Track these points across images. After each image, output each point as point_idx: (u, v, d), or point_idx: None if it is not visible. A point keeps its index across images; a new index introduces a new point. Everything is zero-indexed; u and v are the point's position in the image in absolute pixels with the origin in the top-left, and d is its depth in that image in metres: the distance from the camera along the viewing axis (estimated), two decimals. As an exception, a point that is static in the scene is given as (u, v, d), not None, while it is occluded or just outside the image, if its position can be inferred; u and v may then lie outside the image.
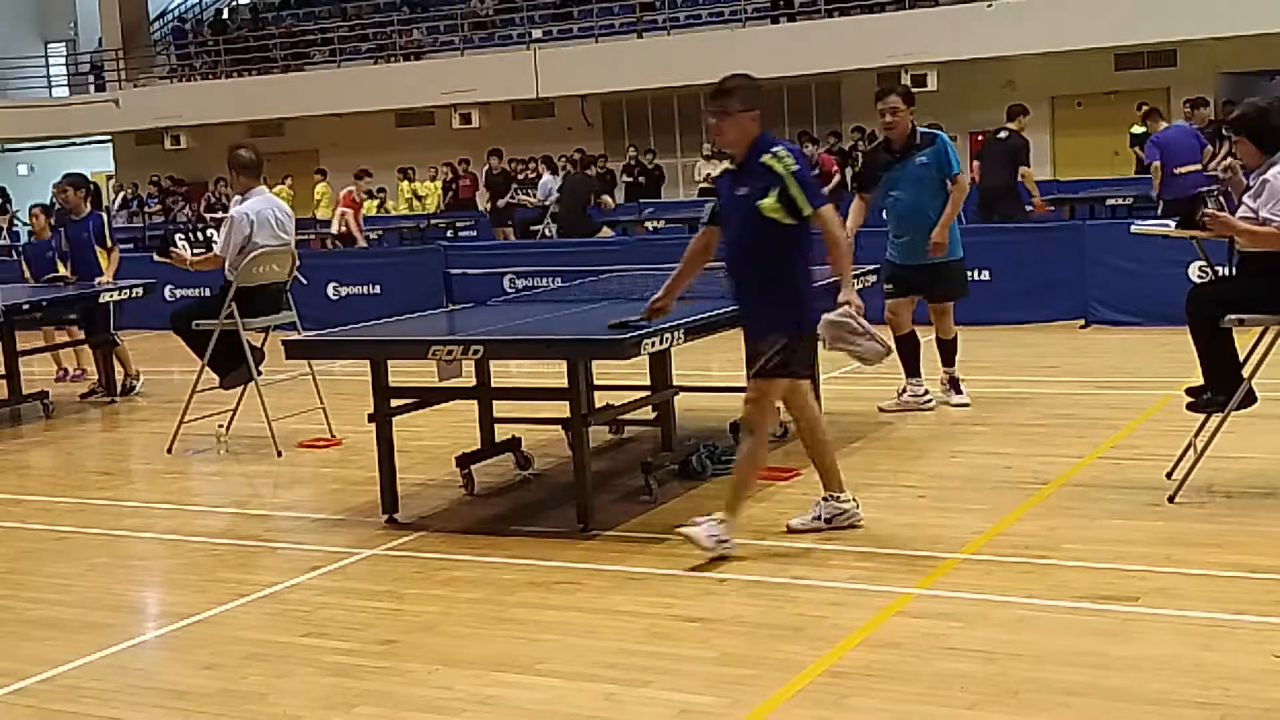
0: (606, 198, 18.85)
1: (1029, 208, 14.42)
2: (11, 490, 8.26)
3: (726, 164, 6.02)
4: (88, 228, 11.39)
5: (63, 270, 11.59)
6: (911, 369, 8.78)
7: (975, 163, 15.95)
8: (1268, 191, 5.98)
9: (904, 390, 8.79)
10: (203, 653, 5.09)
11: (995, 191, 14.10)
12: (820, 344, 6.07)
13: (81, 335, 11.75)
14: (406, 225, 23.26)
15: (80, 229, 11.41)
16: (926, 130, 8.66)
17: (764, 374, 5.80)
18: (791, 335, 5.82)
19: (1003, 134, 14.29)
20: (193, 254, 9.18)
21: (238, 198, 9.02)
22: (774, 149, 5.75)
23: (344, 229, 20.18)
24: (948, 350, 8.87)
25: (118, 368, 11.29)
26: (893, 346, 6.02)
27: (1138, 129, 22.02)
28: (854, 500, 6.18)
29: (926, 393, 8.79)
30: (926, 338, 8.94)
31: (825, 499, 6.17)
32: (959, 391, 8.83)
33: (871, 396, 8.99)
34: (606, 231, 18.76)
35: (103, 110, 32.24)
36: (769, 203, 5.70)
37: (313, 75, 30.15)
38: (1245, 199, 6.15)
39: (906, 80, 24.70)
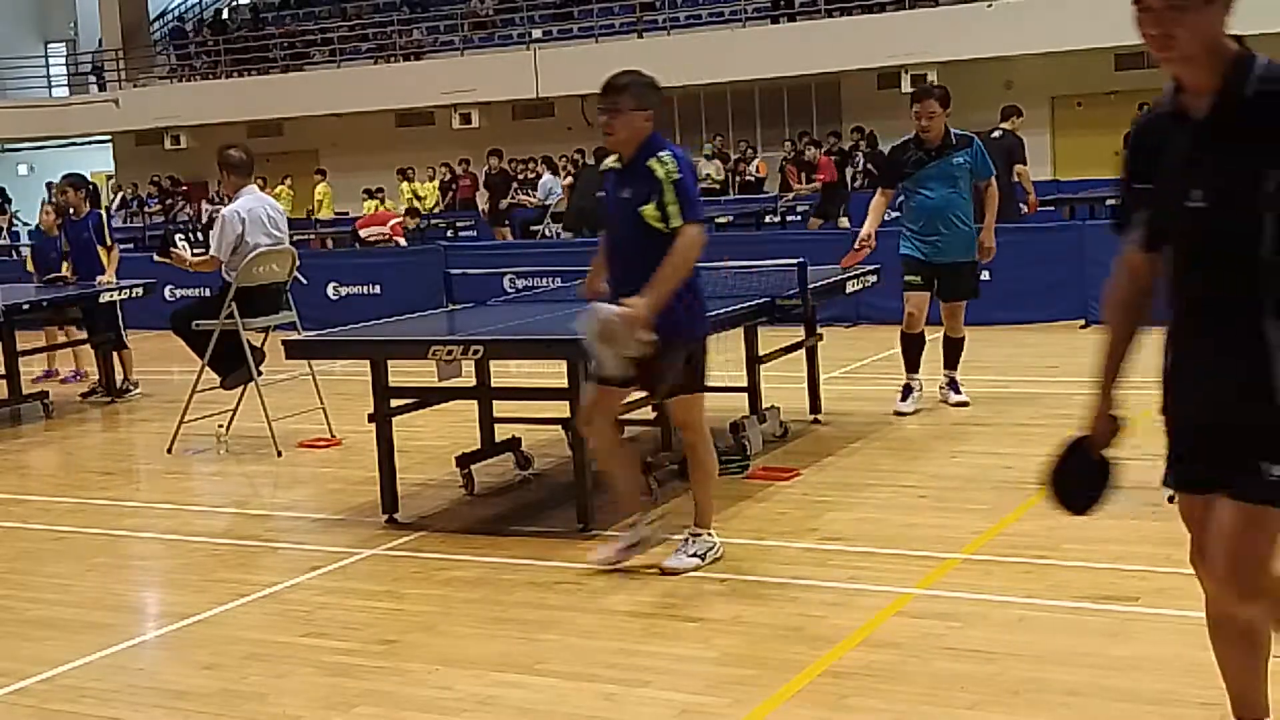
0: None
1: (1023, 207, 14.44)
2: (11, 490, 8.26)
3: (613, 161, 5.72)
4: (87, 227, 11.42)
5: (65, 269, 11.63)
6: (914, 365, 8.73)
7: None
8: None
9: (910, 390, 8.72)
10: (203, 653, 5.09)
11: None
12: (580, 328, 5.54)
13: (82, 335, 11.75)
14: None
15: (80, 228, 11.44)
16: (961, 132, 8.64)
17: (682, 392, 5.63)
18: (692, 346, 5.62)
19: (996, 134, 14.26)
20: (193, 254, 9.22)
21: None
22: (660, 153, 5.48)
23: (375, 241, 20.41)
24: (955, 351, 8.83)
25: (118, 368, 11.29)
26: (611, 370, 5.43)
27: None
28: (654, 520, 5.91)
29: (920, 386, 8.76)
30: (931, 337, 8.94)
31: (630, 537, 5.84)
32: (958, 391, 8.80)
33: (872, 396, 8.99)
34: None
35: (103, 110, 32.25)
36: (650, 209, 5.45)
37: (313, 75, 30.16)
38: None
39: (906, 80, 24.75)
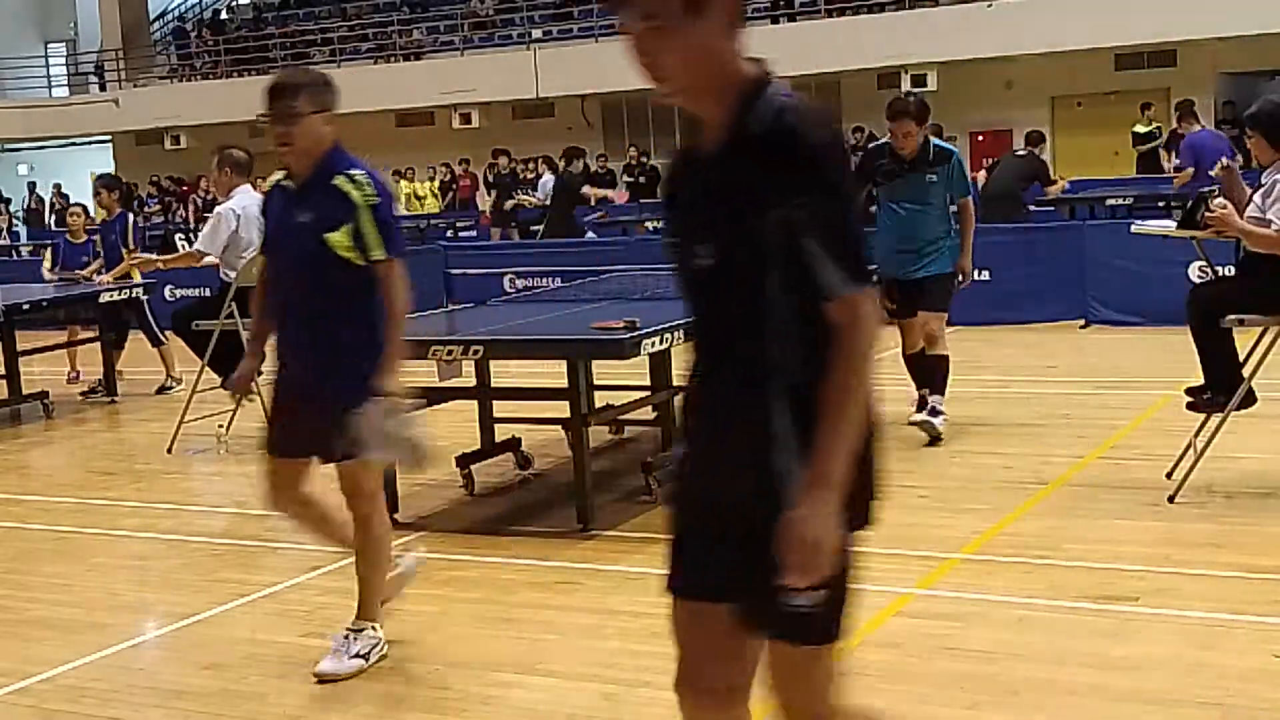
0: (589, 189, 17.68)
1: (1030, 207, 14.83)
2: (11, 490, 8.26)
3: (280, 176, 4.81)
4: (115, 229, 11.47)
5: (90, 270, 11.74)
6: (924, 380, 7.96)
7: (982, 172, 16.56)
8: (1277, 191, 5.98)
9: (928, 406, 7.84)
10: (203, 653, 5.09)
11: (998, 198, 14.56)
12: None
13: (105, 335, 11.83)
14: (406, 225, 23.27)
15: (109, 230, 11.53)
16: (941, 145, 8.02)
17: (354, 456, 4.54)
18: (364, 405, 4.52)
19: (1022, 152, 15.31)
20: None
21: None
22: (351, 170, 4.64)
23: None
24: (938, 371, 7.86)
25: (147, 366, 11.41)
26: (430, 455, 4.53)
27: (1140, 128, 22.05)
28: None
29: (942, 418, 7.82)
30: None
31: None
32: (936, 413, 7.77)
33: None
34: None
35: (103, 110, 32.26)
36: (339, 237, 4.58)
37: (313, 75, 30.14)
38: (1255, 197, 6.14)
39: (906, 80, 24.73)
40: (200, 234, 9.05)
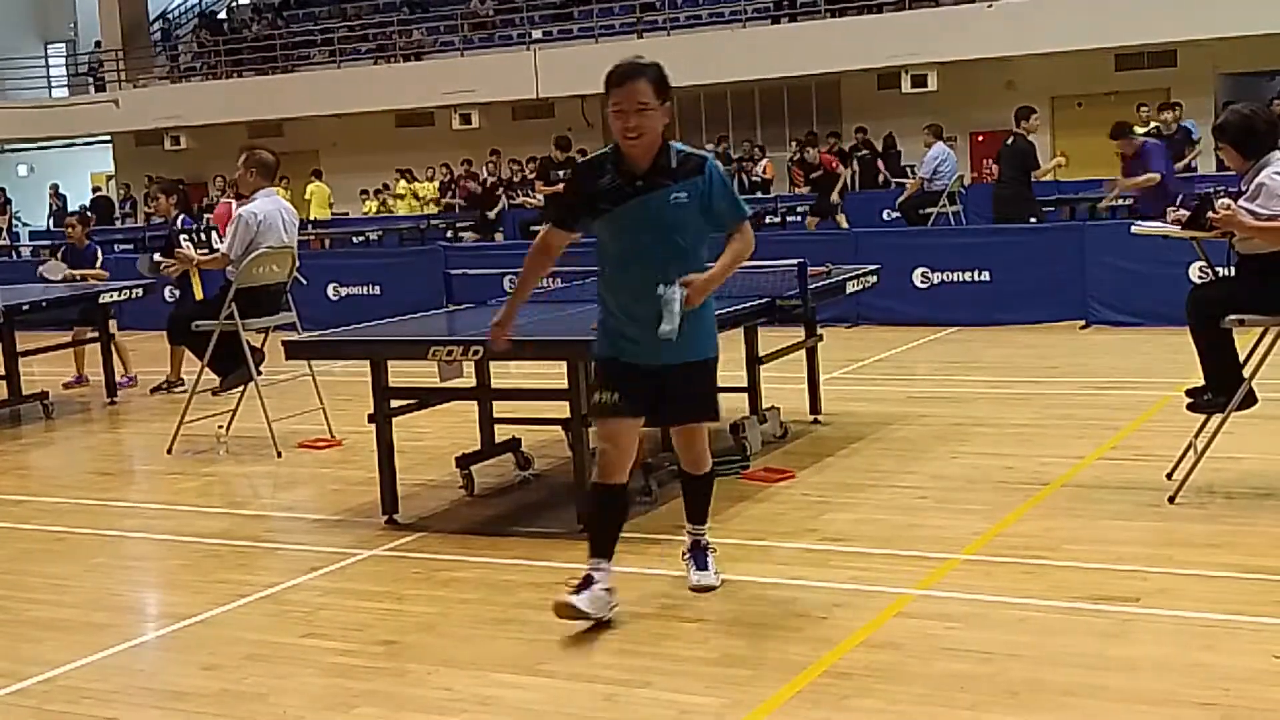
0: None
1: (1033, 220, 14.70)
2: (11, 490, 8.25)
3: None
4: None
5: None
6: (603, 546, 5.14)
7: (995, 166, 16.01)
8: (1265, 193, 5.98)
9: (592, 581, 5.04)
10: (203, 653, 5.09)
11: (1004, 199, 14.25)
12: None
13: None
14: (406, 225, 23.27)
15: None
16: (688, 150, 5.04)
17: None
18: None
19: (1010, 139, 14.54)
20: (197, 254, 9.26)
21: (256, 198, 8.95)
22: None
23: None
24: (701, 495, 5.46)
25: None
26: None
27: (1139, 130, 22.04)
28: None
29: (607, 574, 5.10)
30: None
31: None
32: (703, 563, 5.42)
33: (872, 397, 9.00)
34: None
35: (103, 110, 32.25)
36: None
37: (313, 75, 30.15)
38: (1243, 203, 6.15)
39: (906, 80, 24.74)
40: (225, 235, 8.95)
